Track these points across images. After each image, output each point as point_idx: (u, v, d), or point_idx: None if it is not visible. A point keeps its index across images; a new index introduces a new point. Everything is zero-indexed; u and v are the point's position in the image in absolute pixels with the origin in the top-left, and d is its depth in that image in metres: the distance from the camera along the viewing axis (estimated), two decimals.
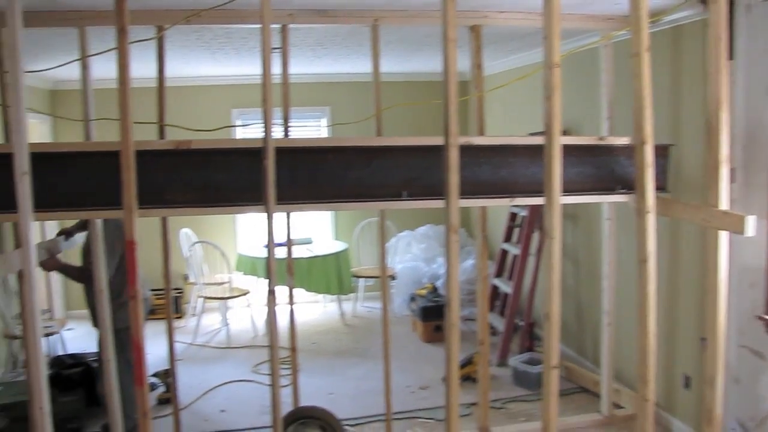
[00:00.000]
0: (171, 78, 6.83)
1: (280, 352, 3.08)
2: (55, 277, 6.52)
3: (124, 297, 3.96)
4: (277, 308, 2.96)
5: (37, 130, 6.52)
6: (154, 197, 2.98)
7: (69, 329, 6.42)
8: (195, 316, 6.68)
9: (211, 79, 7.10)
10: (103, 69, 4.92)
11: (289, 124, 3.71)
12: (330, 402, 4.61)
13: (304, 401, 4.08)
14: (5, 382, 4.82)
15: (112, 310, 3.62)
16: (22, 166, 2.52)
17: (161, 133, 3.55)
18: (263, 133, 2.79)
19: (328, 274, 6.64)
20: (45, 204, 2.76)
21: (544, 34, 2.69)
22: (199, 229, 7.14)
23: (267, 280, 2.97)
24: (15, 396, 4.09)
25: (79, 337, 6.21)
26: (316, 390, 4.96)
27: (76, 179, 2.91)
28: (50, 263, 3.80)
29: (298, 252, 6.57)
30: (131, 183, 2.67)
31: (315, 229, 7.62)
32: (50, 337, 5.53)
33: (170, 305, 3.80)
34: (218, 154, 3.03)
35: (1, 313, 5.09)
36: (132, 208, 2.68)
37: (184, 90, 7.06)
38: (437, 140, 2.81)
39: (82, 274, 3.89)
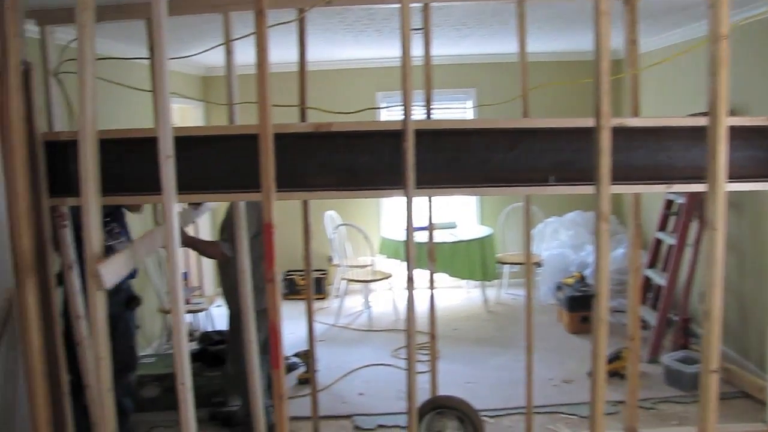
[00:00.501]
0: (316, 62, 6.92)
1: (419, 337, 2.98)
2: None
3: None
4: (417, 293, 2.88)
5: (191, 115, 6.82)
6: (294, 180, 2.98)
7: (218, 306, 6.71)
8: (338, 298, 6.77)
9: (355, 62, 7.12)
10: (252, 54, 5.06)
11: (432, 106, 3.60)
12: (468, 391, 4.50)
13: (442, 389, 3.98)
14: (159, 354, 5.09)
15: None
16: (167, 150, 2.58)
17: (303, 117, 3.55)
18: (403, 115, 2.69)
19: (472, 260, 6.50)
20: (187, 186, 2.82)
21: (710, 2, 2.40)
22: (344, 211, 7.22)
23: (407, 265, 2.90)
24: (167, 368, 4.29)
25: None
26: (454, 378, 4.86)
27: (216, 162, 2.96)
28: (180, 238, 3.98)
29: (442, 237, 6.48)
30: (269, 166, 2.66)
31: (459, 214, 7.49)
32: (199, 314, 5.79)
33: (310, 287, 3.81)
34: (358, 137, 2.97)
35: (156, 289, 5.36)
36: (270, 191, 2.67)
37: (330, 74, 7.13)
38: (588, 122, 2.60)
39: (214, 249, 4.01)
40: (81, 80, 2.56)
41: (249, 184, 2.80)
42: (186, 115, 6.88)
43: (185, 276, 5.83)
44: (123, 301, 3.82)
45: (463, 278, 6.79)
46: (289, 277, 7.45)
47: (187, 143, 2.87)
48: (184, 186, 2.74)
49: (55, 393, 3.12)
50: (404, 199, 2.81)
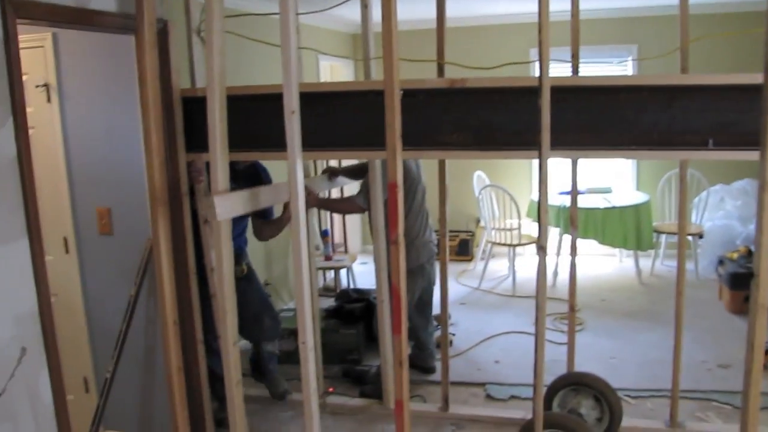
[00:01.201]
0: (470, 17, 6.67)
1: (561, 306, 2.76)
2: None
3: (411, 237, 3.97)
4: (559, 260, 2.66)
5: (342, 72, 6.80)
6: (426, 138, 2.84)
7: (363, 263, 6.74)
8: (483, 260, 6.58)
9: (509, 17, 6.77)
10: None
11: (586, 62, 3.29)
12: (611, 368, 4.20)
13: (582, 363, 3.73)
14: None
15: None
16: (291, 105, 2.51)
17: (440, 73, 3.37)
18: (539, 70, 2.45)
19: (626, 227, 6.06)
20: (312, 143, 2.76)
21: None
22: (493, 172, 6.98)
23: (554, 231, 2.68)
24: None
25: (369, 272, 6.42)
26: (597, 352, 4.56)
27: (343, 119, 2.87)
28: (310, 200, 3.92)
29: (594, 202, 6.10)
30: (395, 123, 2.51)
31: (615, 179, 7.02)
32: (340, 271, 5.81)
33: (446, 250, 3.65)
34: (495, 93, 2.76)
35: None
36: (396, 149, 2.53)
37: (483, 30, 6.85)
38: (755, 78, 2.24)
39: (349, 205, 3.95)
40: (208, 35, 2.54)
41: (375, 142, 2.69)
42: (336, 72, 6.89)
43: (326, 233, 5.86)
44: None
45: (615, 246, 6.36)
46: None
47: (313, 99, 2.80)
48: (310, 143, 2.68)
49: (188, 340, 3.23)
50: (543, 160, 2.58)
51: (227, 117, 2.68)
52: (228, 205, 2.65)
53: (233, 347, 2.82)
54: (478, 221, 7.26)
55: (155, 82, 2.77)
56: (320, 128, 2.85)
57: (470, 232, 7.46)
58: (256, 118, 2.92)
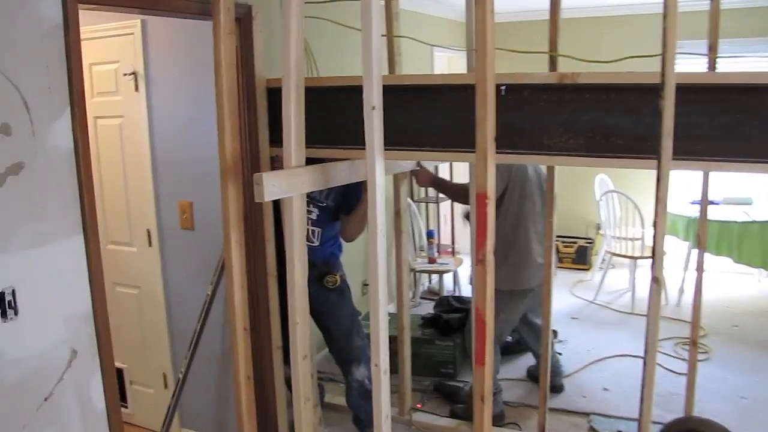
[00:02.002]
0: (605, 7, 6.11)
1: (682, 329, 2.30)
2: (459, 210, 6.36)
3: (519, 256, 3.57)
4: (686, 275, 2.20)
5: (458, 64, 6.41)
6: (528, 140, 2.44)
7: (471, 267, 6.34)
8: (601, 271, 6.03)
9: (643, 7, 6.13)
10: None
11: (720, 56, 2.76)
12: (740, 409, 3.62)
13: (706, 401, 3.22)
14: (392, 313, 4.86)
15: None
16: (372, 100, 2.18)
17: (552, 67, 2.95)
18: (661, 63, 2.00)
19: (767, 244, 5.33)
20: (399, 142, 2.44)
21: None
22: (617, 176, 6.37)
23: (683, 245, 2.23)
24: (395, 330, 3.98)
25: None
26: (724, 389, 3.94)
27: (430, 116, 2.53)
28: (423, 175, 3.55)
29: (731, 214, 5.40)
30: (488, 122, 2.14)
31: (757, 188, 6.23)
32: (443, 275, 5.44)
33: (550, 266, 3.22)
34: (611, 91, 2.32)
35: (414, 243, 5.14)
36: (486, 152, 2.16)
37: (616, 20, 6.27)
38: None
39: (463, 195, 3.54)
40: (285, 21, 2.26)
41: (467, 143, 2.32)
42: (454, 64, 6.51)
43: (431, 234, 5.50)
44: (315, 278, 3.18)
45: (753, 266, 5.61)
46: None
47: (397, 94, 2.48)
48: (392, 141, 2.35)
49: (263, 346, 3.00)
50: (663, 172, 2.14)
51: (313, 110, 2.40)
52: (280, 183, 2.29)
53: (303, 361, 2.54)
54: (598, 228, 6.69)
55: (231, 70, 2.52)
56: (408, 125, 2.52)
57: (589, 239, 6.89)
58: (339, 111, 2.62)
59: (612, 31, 6.27)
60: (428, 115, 2.53)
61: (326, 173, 2.55)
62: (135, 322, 3.46)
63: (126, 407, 3.55)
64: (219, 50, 2.48)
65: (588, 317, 5.37)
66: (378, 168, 2.27)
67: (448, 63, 6.47)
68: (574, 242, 6.80)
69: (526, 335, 3.92)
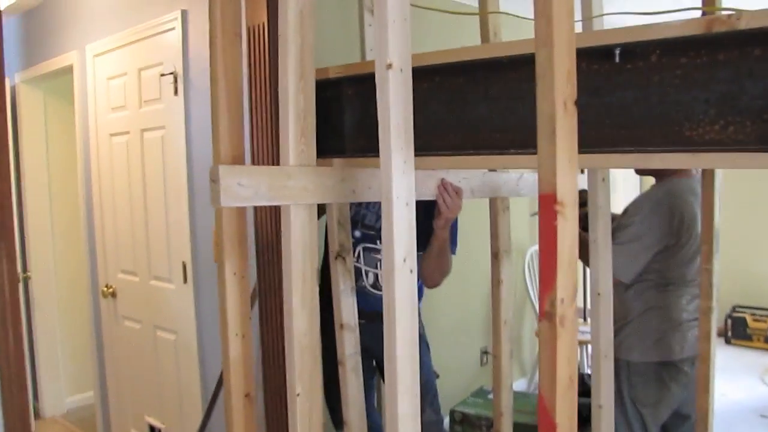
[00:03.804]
0: None
1: None
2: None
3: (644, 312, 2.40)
4: None
5: None
6: (660, 131, 1.42)
7: None
8: None
9: None
10: None
11: None
12: None
13: None
14: (521, 391, 3.77)
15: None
16: (386, 55, 1.31)
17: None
18: None
19: None
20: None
21: None
22: None
23: None
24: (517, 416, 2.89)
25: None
26: None
27: (473, 104, 1.60)
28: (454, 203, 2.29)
29: None
30: (557, 94, 1.18)
31: None
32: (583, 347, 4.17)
33: (710, 336, 2.08)
34: None
35: (534, 306, 4.06)
36: (567, 155, 1.19)
37: None
38: None
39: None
40: None
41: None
42: None
43: None
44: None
45: None
46: (737, 313, 5.33)
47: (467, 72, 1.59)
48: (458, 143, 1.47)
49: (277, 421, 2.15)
50: None
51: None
52: (252, 183, 1.45)
53: None
54: None
55: (232, 46, 1.75)
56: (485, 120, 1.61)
57: None
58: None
59: None
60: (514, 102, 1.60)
61: (347, 178, 1.70)
62: (172, 373, 2.75)
63: None
64: (216, 20, 1.70)
65: None
66: (398, 170, 1.38)
67: None
68: None
69: None
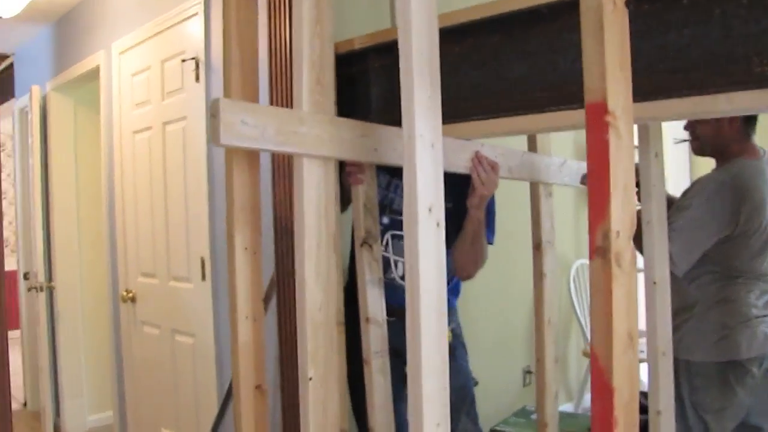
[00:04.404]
0: None
1: None
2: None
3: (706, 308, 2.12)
4: None
5: None
6: (727, 68, 1.22)
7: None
8: None
9: None
10: None
11: None
12: None
13: None
14: (568, 413, 3.46)
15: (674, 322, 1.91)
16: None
17: None
18: None
19: None
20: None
21: None
22: None
23: None
24: None
25: None
26: None
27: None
28: (490, 180, 2.00)
29: None
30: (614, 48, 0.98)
31: None
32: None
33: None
34: None
35: (581, 324, 3.75)
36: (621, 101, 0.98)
37: None
38: None
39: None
40: None
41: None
42: None
43: None
44: None
45: None
46: None
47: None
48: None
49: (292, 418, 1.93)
50: None
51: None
52: (259, 123, 1.26)
53: None
54: None
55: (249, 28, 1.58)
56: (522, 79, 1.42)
57: None
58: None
59: None
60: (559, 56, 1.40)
61: (369, 134, 1.50)
62: (189, 381, 2.55)
63: None
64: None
65: None
66: (420, 106, 1.19)
67: None
68: None
69: None
